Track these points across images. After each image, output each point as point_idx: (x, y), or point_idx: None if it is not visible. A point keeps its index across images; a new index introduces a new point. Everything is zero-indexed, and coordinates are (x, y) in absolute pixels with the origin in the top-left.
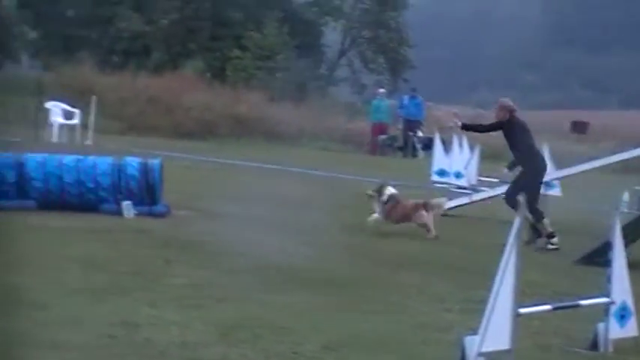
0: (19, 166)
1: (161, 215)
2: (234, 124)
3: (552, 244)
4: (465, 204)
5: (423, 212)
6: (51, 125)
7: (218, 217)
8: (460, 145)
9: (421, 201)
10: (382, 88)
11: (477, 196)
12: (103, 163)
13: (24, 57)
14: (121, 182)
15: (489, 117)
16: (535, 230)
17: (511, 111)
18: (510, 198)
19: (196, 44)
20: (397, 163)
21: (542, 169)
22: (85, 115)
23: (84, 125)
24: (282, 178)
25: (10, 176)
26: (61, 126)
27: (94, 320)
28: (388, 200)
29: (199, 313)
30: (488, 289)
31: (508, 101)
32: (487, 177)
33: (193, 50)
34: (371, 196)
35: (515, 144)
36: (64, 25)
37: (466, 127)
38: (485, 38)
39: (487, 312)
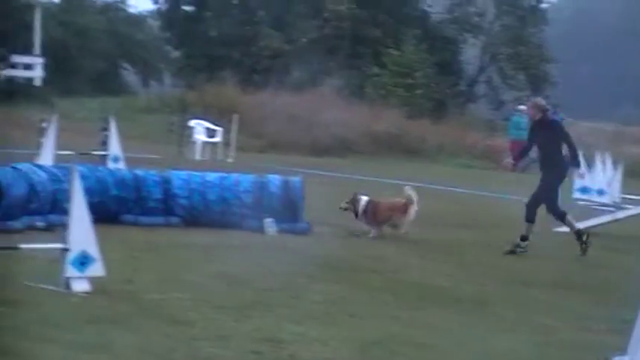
0: (165, 183)
1: (302, 232)
2: (373, 141)
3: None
4: (609, 222)
5: (413, 210)
6: (194, 143)
7: (358, 234)
8: (603, 162)
9: (403, 200)
10: (522, 104)
11: (620, 214)
12: (246, 180)
13: (167, 76)
14: (263, 199)
15: (631, 133)
16: (578, 237)
17: (544, 111)
18: (531, 207)
19: (335, 62)
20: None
21: (564, 174)
22: (226, 132)
23: (225, 143)
24: (421, 195)
25: (156, 193)
26: (204, 144)
27: (238, 336)
28: (367, 207)
29: (340, 330)
30: (635, 309)
31: (541, 100)
32: (631, 195)
33: (332, 68)
34: (346, 209)
35: (540, 145)
36: (206, 45)
37: (517, 158)
38: (629, 52)
39: (635, 332)
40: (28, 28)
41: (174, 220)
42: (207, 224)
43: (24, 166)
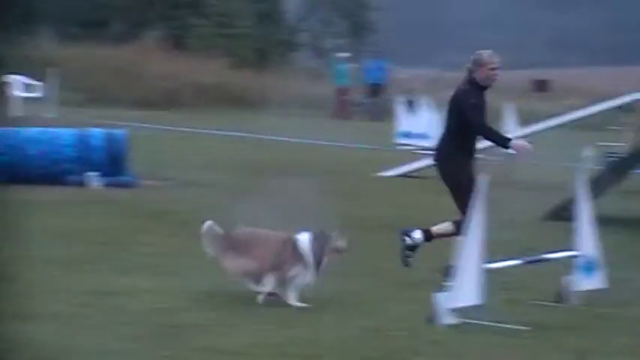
0: None
1: (128, 186)
2: (197, 92)
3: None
4: (430, 165)
5: None
6: (12, 99)
7: (186, 185)
8: (425, 106)
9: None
10: (344, 52)
11: None
12: (67, 134)
13: None
14: (86, 153)
15: (452, 78)
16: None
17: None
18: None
19: (156, 13)
20: (362, 127)
21: None
22: (47, 87)
23: (47, 98)
24: (248, 145)
25: None
26: (24, 99)
27: (67, 290)
28: None
29: (174, 281)
30: (456, 247)
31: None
32: None
33: (153, 20)
34: None
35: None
36: None
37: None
38: (449, 1)
39: (456, 269)
40: None
41: None
42: (28, 180)
43: None
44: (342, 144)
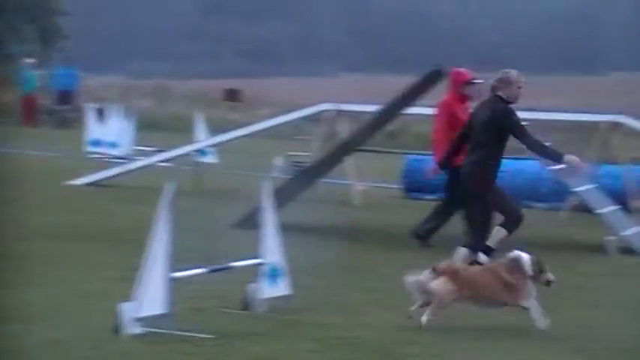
0: None
1: None
2: None
3: None
4: (121, 173)
5: None
6: None
7: None
8: (115, 114)
9: None
10: (31, 58)
11: (132, 165)
12: None
13: None
14: None
15: (142, 86)
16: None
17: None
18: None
19: None
20: (51, 134)
21: None
22: None
23: None
24: None
25: None
26: None
27: None
28: None
29: None
30: (143, 256)
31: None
32: (143, 146)
33: None
34: None
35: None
36: None
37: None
38: (140, 9)
39: (141, 278)
40: None
41: None
42: None
43: None
44: (31, 152)
